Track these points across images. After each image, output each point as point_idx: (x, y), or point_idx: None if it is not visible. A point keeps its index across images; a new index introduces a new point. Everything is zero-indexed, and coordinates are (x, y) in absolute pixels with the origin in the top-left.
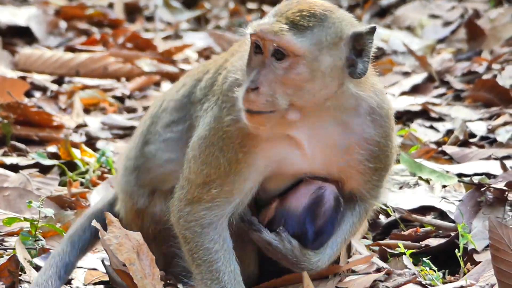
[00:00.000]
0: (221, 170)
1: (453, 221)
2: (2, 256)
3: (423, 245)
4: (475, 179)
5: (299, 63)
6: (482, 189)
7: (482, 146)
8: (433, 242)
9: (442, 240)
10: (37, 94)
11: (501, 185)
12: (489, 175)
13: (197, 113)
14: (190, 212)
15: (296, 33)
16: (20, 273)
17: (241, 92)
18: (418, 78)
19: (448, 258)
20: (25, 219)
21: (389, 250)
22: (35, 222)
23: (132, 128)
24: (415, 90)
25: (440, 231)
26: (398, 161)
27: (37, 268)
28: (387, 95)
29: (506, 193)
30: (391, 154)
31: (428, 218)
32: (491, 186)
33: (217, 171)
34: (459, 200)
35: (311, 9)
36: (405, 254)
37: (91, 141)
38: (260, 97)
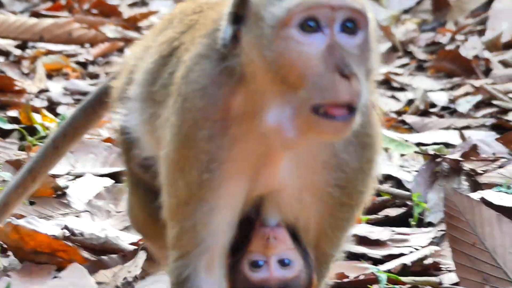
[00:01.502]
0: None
1: (409, 190)
2: None
3: (381, 216)
4: (433, 149)
5: (371, 34)
6: (438, 159)
7: (442, 116)
8: (392, 212)
9: (401, 210)
10: (0, 58)
11: (457, 155)
12: (447, 145)
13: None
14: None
15: None
16: None
17: (323, 80)
18: (381, 48)
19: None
20: None
21: None
22: None
23: None
24: None
25: (397, 200)
26: None
27: None
28: None
29: (461, 163)
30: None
31: (385, 186)
32: (446, 156)
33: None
34: (416, 171)
35: None
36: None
37: (52, 106)
38: (358, 86)
